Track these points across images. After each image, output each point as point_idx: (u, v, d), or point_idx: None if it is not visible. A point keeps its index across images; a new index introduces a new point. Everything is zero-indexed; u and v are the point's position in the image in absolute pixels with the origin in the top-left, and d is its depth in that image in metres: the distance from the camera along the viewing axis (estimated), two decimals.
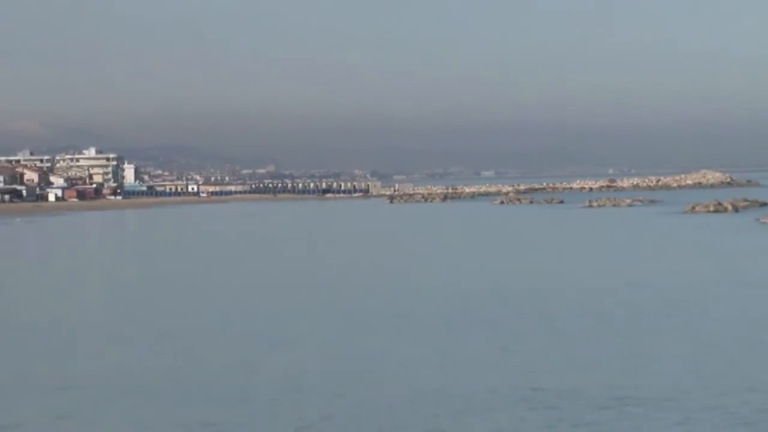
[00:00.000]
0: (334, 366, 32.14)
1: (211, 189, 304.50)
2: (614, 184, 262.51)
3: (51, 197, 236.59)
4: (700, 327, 38.14)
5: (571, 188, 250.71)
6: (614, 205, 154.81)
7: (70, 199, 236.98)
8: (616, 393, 26.59)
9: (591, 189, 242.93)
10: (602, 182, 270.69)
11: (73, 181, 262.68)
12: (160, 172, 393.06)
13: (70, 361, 34.22)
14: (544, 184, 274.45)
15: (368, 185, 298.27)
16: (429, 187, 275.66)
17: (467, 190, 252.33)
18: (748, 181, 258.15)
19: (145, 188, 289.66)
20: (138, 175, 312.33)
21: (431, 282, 57.47)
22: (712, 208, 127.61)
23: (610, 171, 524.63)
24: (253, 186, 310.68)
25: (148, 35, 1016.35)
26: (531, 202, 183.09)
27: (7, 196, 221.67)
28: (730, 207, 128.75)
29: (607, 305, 44.25)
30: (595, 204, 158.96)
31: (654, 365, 30.82)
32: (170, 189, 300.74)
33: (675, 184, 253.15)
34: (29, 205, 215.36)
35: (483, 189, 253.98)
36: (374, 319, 42.05)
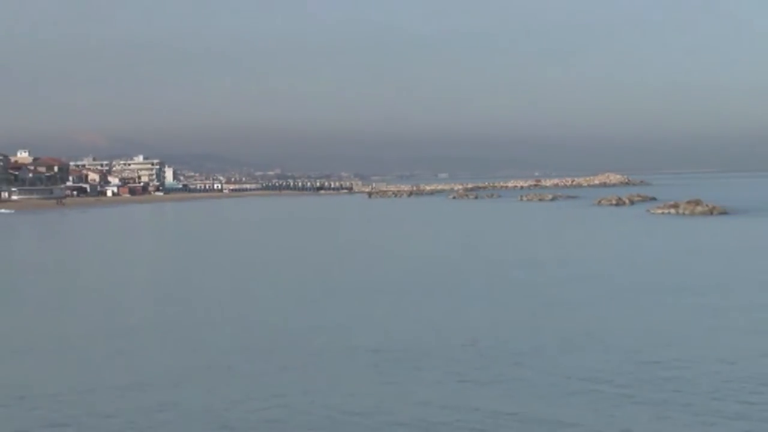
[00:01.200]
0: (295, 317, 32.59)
1: (231, 187, 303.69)
2: (540, 183, 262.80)
3: (109, 193, 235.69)
4: (596, 287, 38.00)
5: (506, 186, 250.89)
6: (540, 200, 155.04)
7: (123, 194, 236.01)
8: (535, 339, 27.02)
9: (522, 187, 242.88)
10: (531, 182, 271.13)
11: (126, 181, 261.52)
12: (192, 174, 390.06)
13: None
14: (487, 183, 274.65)
15: (352, 184, 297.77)
16: (398, 185, 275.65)
17: (427, 188, 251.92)
18: (641, 181, 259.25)
19: (181, 186, 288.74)
20: (176, 176, 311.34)
21: (395, 251, 57.37)
22: (614, 202, 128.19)
23: (536, 173, 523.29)
24: (264, 185, 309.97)
25: (184, 66, 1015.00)
26: (476, 197, 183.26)
27: (75, 192, 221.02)
28: (627, 201, 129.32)
29: (523, 275, 44.48)
30: (525, 198, 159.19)
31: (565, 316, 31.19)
32: (200, 186, 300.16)
33: (586, 184, 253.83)
34: (92, 198, 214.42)
35: (440, 187, 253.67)
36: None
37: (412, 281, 42.21)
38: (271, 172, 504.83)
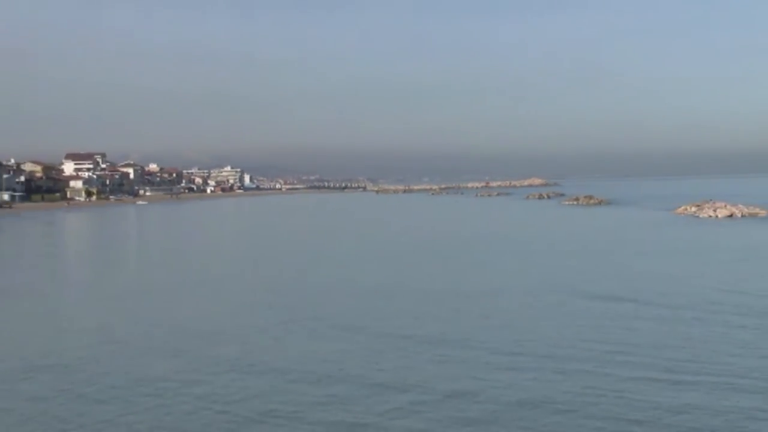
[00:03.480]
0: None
1: (287, 187, 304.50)
2: (489, 185, 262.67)
3: (208, 191, 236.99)
4: (525, 253, 37.48)
5: (467, 187, 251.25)
6: (489, 195, 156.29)
7: (217, 192, 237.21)
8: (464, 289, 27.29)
9: (477, 187, 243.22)
10: (483, 183, 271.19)
11: (219, 183, 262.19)
12: (262, 178, 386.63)
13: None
14: (454, 184, 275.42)
15: (365, 185, 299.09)
16: (395, 186, 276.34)
17: (415, 188, 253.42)
18: (555, 183, 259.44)
19: (254, 187, 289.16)
20: (251, 179, 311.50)
21: (396, 227, 57.07)
22: (537, 196, 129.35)
23: (487, 178, 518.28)
24: (308, 185, 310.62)
25: (254, 110, 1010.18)
26: (447, 194, 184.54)
27: (186, 190, 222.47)
28: (546, 196, 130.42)
29: (477, 244, 44.60)
30: (479, 195, 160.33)
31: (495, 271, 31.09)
32: (267, 186, 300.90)
33: (519, 185, 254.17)
34: (197, 194, 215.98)
35: (423, 187, 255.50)
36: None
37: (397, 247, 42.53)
38: (312, 177, 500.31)
